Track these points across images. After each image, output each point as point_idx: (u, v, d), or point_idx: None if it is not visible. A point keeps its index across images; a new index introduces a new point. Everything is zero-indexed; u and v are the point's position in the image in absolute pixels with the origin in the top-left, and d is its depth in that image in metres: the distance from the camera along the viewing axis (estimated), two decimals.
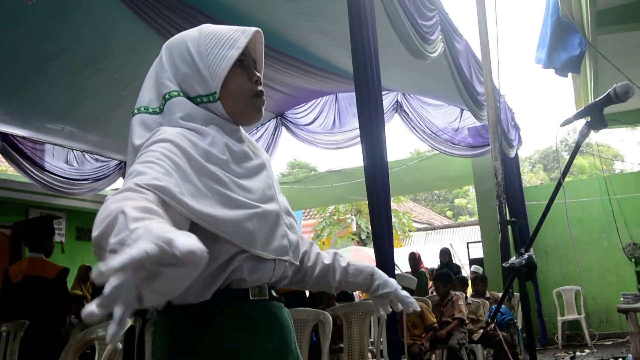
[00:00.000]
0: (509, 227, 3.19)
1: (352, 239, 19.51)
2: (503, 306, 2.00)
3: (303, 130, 9.92)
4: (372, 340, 5.57)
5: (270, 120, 9.90)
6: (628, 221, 9.68)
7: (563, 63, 6.28)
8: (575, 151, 1.99)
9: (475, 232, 17.72)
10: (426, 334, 5.84)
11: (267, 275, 1.40)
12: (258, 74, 1.48)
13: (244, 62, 1.45)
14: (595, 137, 11.39)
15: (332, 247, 19.42)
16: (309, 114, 9.86)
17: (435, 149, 9.92)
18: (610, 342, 9.48)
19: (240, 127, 1.48)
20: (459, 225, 24.07)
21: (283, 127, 9.98)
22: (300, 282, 1.67)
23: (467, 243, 15.10)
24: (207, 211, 1.22)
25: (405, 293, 1.74)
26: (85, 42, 6.11)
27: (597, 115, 1.94)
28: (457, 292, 6.53)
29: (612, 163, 37.43)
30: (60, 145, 8.39)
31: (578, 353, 8.59)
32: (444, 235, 22.39)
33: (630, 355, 6.45)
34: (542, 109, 63.33)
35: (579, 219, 9.95)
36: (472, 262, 13.22)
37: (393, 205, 19.18)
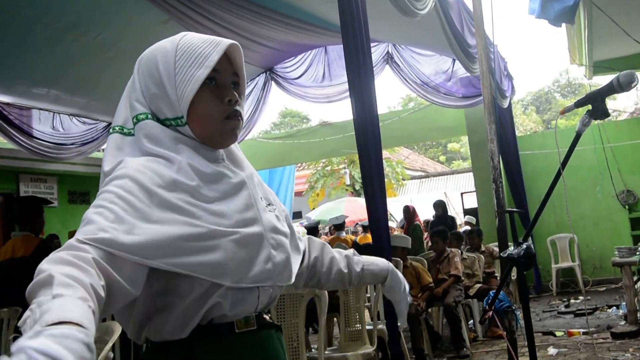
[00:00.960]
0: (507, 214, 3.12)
1: (346, 190, 19.52)
2: (501, 292, 1.97)
3: (293, 84, 9.76)
4: (368, 295, 5.62)
5: (259, 75, 9.74)
6: (622, 169, 9.67)
7: (557, 13, 6.13)
8: (575, 141, 1.92)
9: (469, 180, 17.72)
10: (422, 293, 5.87)
11: (251, 307, 1.32)
12: (234, 92, 1.35)
13: (218, 80, 1.33)
14: (589, 81, 11.26)
15: (326, 198, 19.42)
16: (298, 67, 9.69)
17: (427, 100, 9.79)
18: (604, 288, 9.58)
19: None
20: (452, 173, 24.09)
21: (272, 82, 9.80)
22: (316, 285, 1.67)
23: (462, 193, 15.11)
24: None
25: (403, 307, 1.72)
26: (65, 6, 5.93)
27: (599, 105, 1.86)
28: (453, 249, 6.54)
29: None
30: (47, 110, 8.23)
31: (572, 300, 8.69)
32: (437, 183, 22.43)
33: (624, 303, 6.52)
34: (535, 51, 62.78)
35: (573, 167, 9.89)
36: (467, 212, 13.26)
37: (386, 154, 19.15)
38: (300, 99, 10.04)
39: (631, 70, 1.81)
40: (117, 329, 2.07)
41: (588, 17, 6.75)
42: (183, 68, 1.30)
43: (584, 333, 6.19)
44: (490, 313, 2.09)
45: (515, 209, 2.61)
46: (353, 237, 10.61)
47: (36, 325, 0.80)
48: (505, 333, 2.03)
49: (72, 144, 8.75)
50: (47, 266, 0.95)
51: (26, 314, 0.86)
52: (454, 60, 9.06)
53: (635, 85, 1.83)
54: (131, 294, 1.12)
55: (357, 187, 18.64)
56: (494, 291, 2.12)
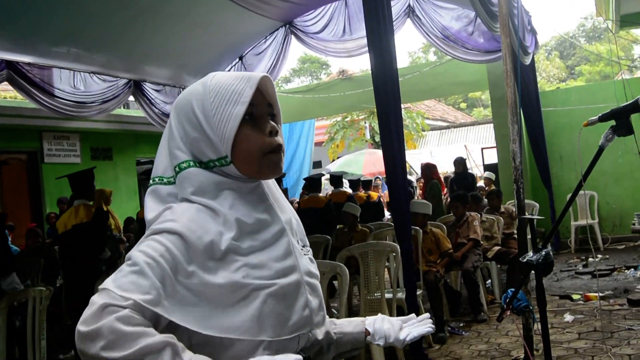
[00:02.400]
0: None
1: (366, 141, 19.46)
2: (520, 292, 2.00)
3: (313, 38, 9.63)
4: (387, 265, 5.69)
5: (278, 29, 9.61)
6: None
7: None
8: (597, 155, 1.92)
9: (490, 131, 17.52)
10: (441, 260, 5.92)
11: (291, 351, 1.33)
12: (272, 122, 1.36)
13: (255, 113, 1.34)
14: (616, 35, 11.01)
15: (345, 150, 19.39)
16: (318, 21, 9.55)
17: (449, 55, 9.64)
18: (623, 246, 9.59)
19: (262, 183, 1.40)
20: (473, 124, 23.80)
21: (292, 36, 9.69)
22: None
23: (482, 149, 15.01)
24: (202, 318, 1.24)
25: (401, 338, 1.57)
26: None
27: (622, 121, 1.85)
28: (472, 213, 6.56)
29: (631, 48, 36.46)
30: (67, 69, 8.25)
31: (590, 259, 8.71)
32: (458, 135, 22.20)
33: None
34: None
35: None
36: (487, 167, 13.20)
37: (406, 105, 18.99)
38: (320, 53, 9.99)
39: None
40: None
41: None
42: (220, 107, 1.31)
43: (601, 297, 6.24)
44: (508, 312, 2.14)
45: (535, 216, 2.62)
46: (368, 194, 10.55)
47: None
48: (522, 331, 2.09)
49: (93, 102, 8.78)
50: (124, 330, 1.12)
51: None
52: (476, 14, 8.89)
53: None
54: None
55: (377, 139, 18.57)
56: (513, 290, 2.16)
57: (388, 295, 4.76)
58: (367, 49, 9.26)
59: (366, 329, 1.59)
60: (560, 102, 10.42)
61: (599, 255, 8.96)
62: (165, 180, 1.36)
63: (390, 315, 4.30)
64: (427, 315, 1.66)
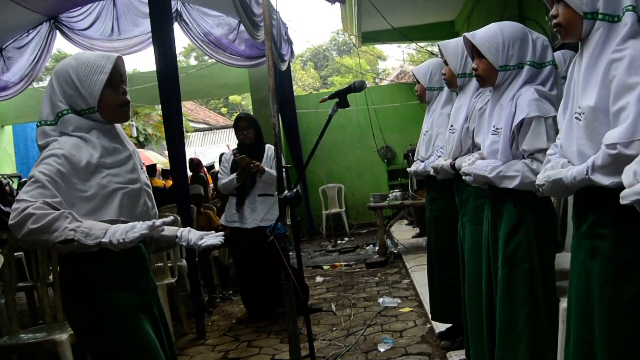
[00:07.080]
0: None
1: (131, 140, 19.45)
2: (279, 223, 2.80)
3: (79, 35, 9.56)
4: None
5: (42, 23, 9.39)
6: (383, 128, 11.24)
7: None
8: (328, 121, 2.77)
9: None
10: None
11: None
12: (124, 86, 2.10)
13: (112, 80, 2.05)
14: (359, 49, 12.67)
15: None
16: (85, 18, 9.47)
17: (214, 59, 10.30)
18: (365, 231, 11.20)
19: (115, 125, 2.11)
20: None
21: (57, 32, 9.58)
22: None
23: None
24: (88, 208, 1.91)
25: (199, 243, 2.25)
26: None
27: (342, 99, 2.76)
28: None
29: (376, 62, 40.51)
30: None
31: (339, 241, 10.10)
32: (220, 136, 23.16)
33: (378, 241, 7.91)
34: (314, 10, 65.44)
35: (342, 125, 11.31)
36: None
37: None
38: (87, 50, 10.00)
39: (362, 80, 2.72)
40: None
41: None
42: (89, 75, 2.00)
43: (345, 265, 7.49)
44: (272, 237, 2.94)
45: (289, 165, 3.50)
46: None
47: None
48: (281, 252, 2.90)
49: None
50: (43, 212, 1.75)
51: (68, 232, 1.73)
52: (239, 22, 9.70)
53: (364, 89, 2.76)
54: None
55: (142, 139, 18.72)
56: (274, 221, 2.99)
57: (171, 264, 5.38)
58: (135, 48, 9.62)
59: (176, 234, 2.30)
60: (312, 105, 11.75)
61: (346, 238, 10.41)
62: (49, 122, 2.01)
63: (172, 276, 4.95)
64: (222, 233, 2.40)
